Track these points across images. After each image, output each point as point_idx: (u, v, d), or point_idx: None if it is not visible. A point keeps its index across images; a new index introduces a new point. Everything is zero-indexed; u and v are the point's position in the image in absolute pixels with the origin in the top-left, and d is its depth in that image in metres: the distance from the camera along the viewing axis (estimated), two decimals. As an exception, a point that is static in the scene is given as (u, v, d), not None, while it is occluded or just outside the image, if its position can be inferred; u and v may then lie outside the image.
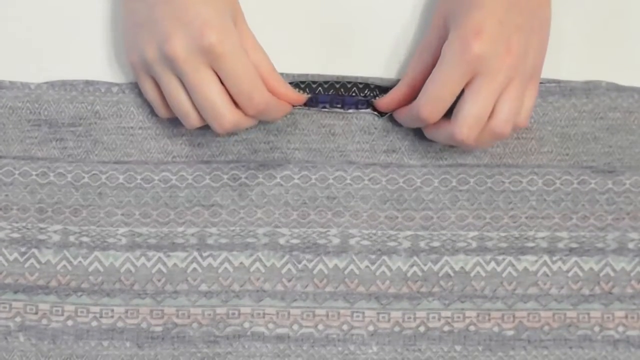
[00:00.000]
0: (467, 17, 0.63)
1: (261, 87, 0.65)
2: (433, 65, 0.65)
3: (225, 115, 0.64)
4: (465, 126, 0.63)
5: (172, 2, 0.63)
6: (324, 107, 0.70)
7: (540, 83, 0.70)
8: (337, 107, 0.70)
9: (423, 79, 0.65)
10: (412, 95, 0.67)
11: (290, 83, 0.70)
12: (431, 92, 0.64)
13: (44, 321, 0.68)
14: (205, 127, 0.69)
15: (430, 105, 0.64)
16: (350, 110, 0.70)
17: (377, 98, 0.69)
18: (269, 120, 0.68)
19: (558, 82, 0.70)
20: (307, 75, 0.70)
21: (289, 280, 0.69)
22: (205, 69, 0.63)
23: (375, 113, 0.70)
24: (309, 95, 0.69)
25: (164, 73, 0.64)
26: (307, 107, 0.70)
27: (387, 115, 0.70)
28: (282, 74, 0.70)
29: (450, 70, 0.63)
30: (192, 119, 0.65)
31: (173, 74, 0.64)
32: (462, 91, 0.64)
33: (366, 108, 0.70)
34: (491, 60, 0.62)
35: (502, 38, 0.62)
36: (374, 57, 0.71)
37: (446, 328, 0.69)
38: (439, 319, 0.69)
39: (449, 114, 0.65)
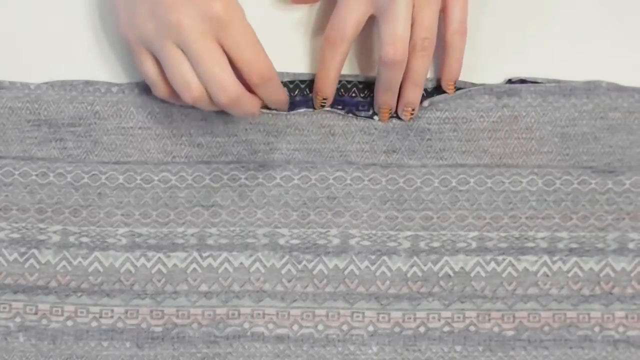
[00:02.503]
0: None
1: (264, 56, 0.65)
2: None
3: (230, 85, 0.64)
4: (388, 45, 0.65)
5: None
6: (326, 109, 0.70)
7: (540, 83, 0.70)
8: (337, 109, 0.70)
9: None
10: None
11: (291, 82, 0.70)
12: (335, 14, 0.67)
13: (44, 321, 0.68)
14: (205, 128, 0.69)
15: (334, 25, 0.67)
16: (350, 115, 0.70)
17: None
18: (270, 96, 0.67)
19: (558, 82, 0.70)
20: (307, 74, 0.70)
21: (289, 281, 0.69)
22: (211, 39, 0.63)
23: (376, 117, 0.70)
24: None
25: (165, 45, 0.63)
26: (308, 109, 0.70)
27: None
28: (283, 73, 0.70)
29: None
30: (194, 91, 0.64)
31: (176, 45, 0.63)
32: None
33: (367, 110, 0.70)
34: None
35: None
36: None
37: (446, 328, 0.69)
38: (439, 319, 0.69)
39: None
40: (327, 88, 0.69)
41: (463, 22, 0.68)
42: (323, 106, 0.69)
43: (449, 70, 0.69)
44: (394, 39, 0.65)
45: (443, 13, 0.67)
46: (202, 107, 0.65)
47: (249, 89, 0.65)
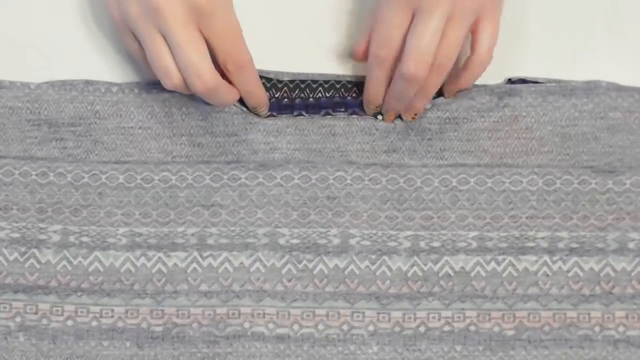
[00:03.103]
0: None
1: (242, 47, 0.65)
2: None
3: (207, 74, 0.64)
4: (412, 60, 0.64)
5: None
6: (327, 113, 0.70)
7: (540, 83, 0.70)
8: (340, 112, 0.70)
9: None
10: None
11: (291, 82, 0.70)
12: (378, 31, 0.65)
13: (44, 321, 0.68)
14: (205, 128, 0.69)
15: (381, 42, 0.65)
16: (354, 116, 0.70)
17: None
18: (242, 89, 0.67)
19: (558, 81, 0.70)
20: (307, 74, 0.70)
21: (289, 281, 0.69)
22: (192, 26, 0.63)
23: (379, 117, 0.70)
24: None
25: (147, 29, 0.63)
26: (309, 115, 0.70)
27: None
28: (282, 73, 0.70)
29: (390, 7, 0.64)
30: (173, 78, 0.64)
31: (157, 30, 0.63)
32: None
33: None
34: None
35: None
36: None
37: (446, 328, 0.69)
38: (439, 319, 0.69)
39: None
40: (379, 99, 0.69)
41: (490, 49, 0.66)
42: (376, 113, 0.70)
43: (458, 84, 0.69)
44: (419, 55, 0.64)
45: (472, 35, 0.66)
46: (181, 92, 0.66)
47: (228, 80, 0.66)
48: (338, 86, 0.70)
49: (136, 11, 0.63)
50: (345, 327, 0.69)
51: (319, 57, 0.71)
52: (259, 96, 0.68)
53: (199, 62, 0.63)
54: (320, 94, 0.70)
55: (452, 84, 0.69)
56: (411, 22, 0.64)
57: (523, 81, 0.70)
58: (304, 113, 0.70)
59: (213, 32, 0.64)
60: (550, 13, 0.71)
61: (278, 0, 0.71)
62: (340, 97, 0.70)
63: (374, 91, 0.68)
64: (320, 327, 0.69)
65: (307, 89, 0.70)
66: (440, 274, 0.69)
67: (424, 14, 0.64)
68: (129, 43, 0.66)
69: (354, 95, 0.70)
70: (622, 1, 0.71)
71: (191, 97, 0.69)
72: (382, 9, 0.65)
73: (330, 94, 0.70)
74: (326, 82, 0.70)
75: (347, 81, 0.70)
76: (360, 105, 0.70)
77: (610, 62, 0.71)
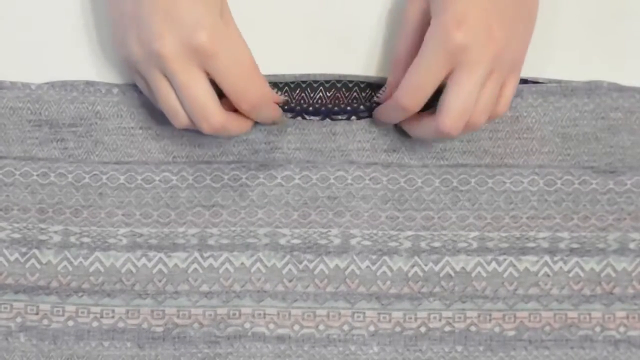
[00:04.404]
0: (448, 7, 0.62)
1: (256, 84, 0.63)
2: (417, 47, 0.63)
3: (213, 115, 0.63)
4: (450, 118, 0.62)
5: None
6: (326, 117, 0.70)
7: (541, 83, 0.70)
8: (338, 118, 0.70)
9: (409, 62, 0.64)
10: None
11: (291, 83, 0.70)
12: (412, 80, 0.63)
13: (45, 321, 0.68)
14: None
15: (411, 93, 0.63)
16: (353, 118, 0.70)
17: (378, 95, 0.69)
18: (262, 119, 0.67)
19: (559, 82, 0.70)
20: (309, 75, 0.70)
21: (290, 281, 0.69)
22: (195, 69, 0.62)
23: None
24: (286, 98, 0.69)
25: (151, 72, 0.63)
26: (315, 118, 0.70)
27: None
28: (285, 75, 0.70)
29: (432, 60, 0.62)
30: (180, 119, 0.64)
31: (161, 73, 0.63)
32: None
33: (367, 114, 0.70)
34: (473, 50, 0.61)
35: (485, 27, 0.61)
36: (375, 56, 0.71)
37: (447, 328, 0.69)
38: (440, 320, 0.69)
39: (425, 107, 0.65)
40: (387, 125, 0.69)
41: (510, 103, 0.66)
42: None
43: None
44: (459, 114, 0.62)
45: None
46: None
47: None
48: (339, 85, 0.70)
49: (139, 53, 0.62)
50: (346, 328, 0.69)
51: (319, 56, 0.70)
52: (277, 118, 0.67)
53: (204, 104, 0.62)
54: (321, 94, 0.70)
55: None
56: (447, 75, 0.62)
57: (524, 81, 0.70)
58: (304, 116, 0.70)
59: (220, 73, 0.62)
60: (550, 13, 0.71)
61: (279, 1, 0.71)
62: (340, 105, 0.70)
63: (383, 123, 0.68)
64: (321, 327, 0.69)
65: (309, 88, 0.70)
66: (441, 275, 0.69)
67: (466, 70, 0.61)
68: (137, 81, 0.66)
69: (354, 94, 0.70)
70: (622, 1, 0.71)
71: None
72: (423, 58, 0.62)
73: (331, 93, 0.70)
74: (327, 81, 0.70)
75: (348, 81, 0.70)
76: (358, 112, 0.69)
77: (611, 62, 0.71)
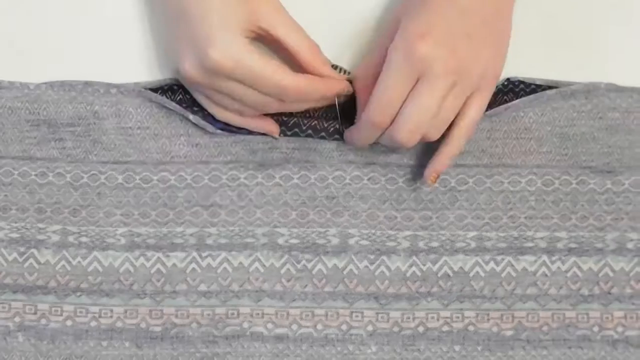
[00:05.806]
0: (415, 19, 0.62)
1: (287, 75, 0.63)
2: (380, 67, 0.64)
3: (274, 102, 0.64)
4: (405, 130, 0.63)
5: (181, 17, 0.63)
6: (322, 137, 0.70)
7: (539, 85, 0.70)
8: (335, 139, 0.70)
9: (374, 82, 0.64)
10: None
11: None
12: (379, 96, 0.63)
13: (43, 321, 0.68)
14: (203, 128, 0.69)
15: (379, 109, 0.63)
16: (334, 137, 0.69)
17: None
18: (324, 98, 0.66)
19: (557, 83, 0.70)
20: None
21: (288, 280, 0.69)
22: (225, 81, 0.63)
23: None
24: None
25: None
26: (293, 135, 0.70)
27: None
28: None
29: (395, 73, 0.62)
30: (271, 104, 0.65)
31: (226, 80, 0.63)
32: None
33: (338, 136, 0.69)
34: (435, 63, 0.61)
35: (448, 43, 0.62)
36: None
37: (445, 328, 0.69)
38: (438, 319, 0.69)
39: None
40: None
41: (475, 124, 0.65)
42: None
43: (438, 161, 0.67)
44: (415, 126, 0.63)
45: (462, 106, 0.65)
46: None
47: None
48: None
49: (179, 74, 0.66)
50: (344, 327, 0.69)
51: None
52: (340, 90, 0.67)
53: (256, 99, 0.64)
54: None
55: (431, 161, 0.67)
56: (412, 87, 0.63)
57: (521, 82, 0.70)
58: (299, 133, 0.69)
59: (247, 82, 0.63)
60: (550, 14, 0.71)
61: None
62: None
63: (359, 144, 0.68)
64: (319, 327, 0.69)
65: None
66: (439, 274, 0.69)
67: (426, 83, 0.62)
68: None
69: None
70: (622, 2, 0.71)
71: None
72: (387, 73, 0.63)
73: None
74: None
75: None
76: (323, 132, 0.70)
77: (610, 62, 0.71)
